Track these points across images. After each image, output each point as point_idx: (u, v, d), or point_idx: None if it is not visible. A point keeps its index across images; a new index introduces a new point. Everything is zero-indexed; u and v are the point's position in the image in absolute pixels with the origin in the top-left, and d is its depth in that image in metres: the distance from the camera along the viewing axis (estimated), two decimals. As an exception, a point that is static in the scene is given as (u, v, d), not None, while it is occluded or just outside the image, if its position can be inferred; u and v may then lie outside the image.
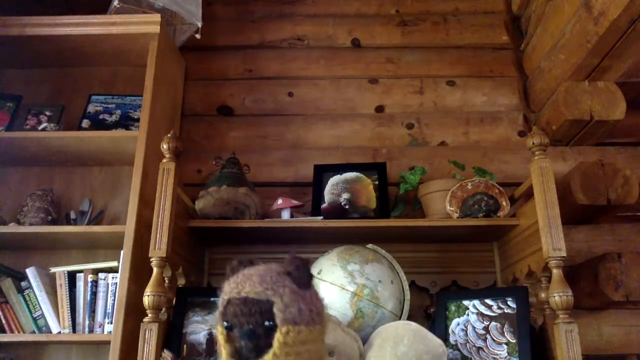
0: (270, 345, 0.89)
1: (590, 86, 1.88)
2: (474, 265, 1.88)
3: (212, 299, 1.60)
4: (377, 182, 1.89)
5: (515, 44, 2.27)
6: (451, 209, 1.71)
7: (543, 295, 1.51)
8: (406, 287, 1.60)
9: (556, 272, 1.41)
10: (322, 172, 1.95)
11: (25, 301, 1.74)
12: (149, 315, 1.45)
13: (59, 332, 1.69)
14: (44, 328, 1.71)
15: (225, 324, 0.93)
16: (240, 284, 0.95)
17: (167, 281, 1.54)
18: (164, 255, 1.47)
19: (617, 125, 1.91)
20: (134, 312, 1.59)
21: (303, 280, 0.97)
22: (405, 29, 2.31)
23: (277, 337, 0.89)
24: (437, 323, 1.63)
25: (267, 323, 0.90)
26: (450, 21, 2.32)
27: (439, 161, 2.07)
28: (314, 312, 0.96)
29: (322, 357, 1.01)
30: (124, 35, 1.93)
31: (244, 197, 1.71)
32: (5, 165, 2.01)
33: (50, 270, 1.77)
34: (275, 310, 0.90)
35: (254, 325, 0.90)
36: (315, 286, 1.02)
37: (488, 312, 1.57)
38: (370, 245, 1.65)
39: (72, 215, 1.91)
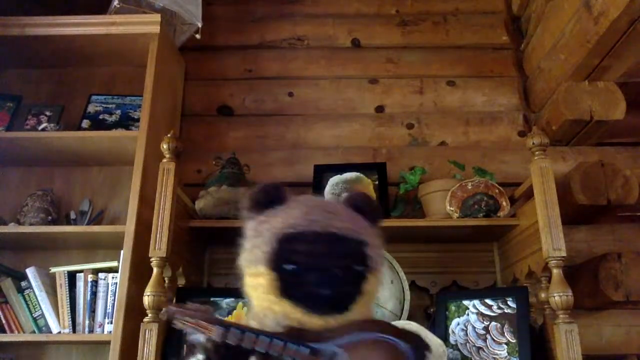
0: (354, 295, 0.71)
1: (590, 86, 1.88)
2: (474, 265, 1.88)
3: (212, 299, 1.60)
4: (377, 182, 1.89)
5: (515, 44, 2.27)
6: (451, 209, 1.71)
7: (543, 295, 1.51)
8: (406, 287, 1.60)
9: (556, 272, 1.41)
10: (322, 172, 1.95)
11: (25, 301, 1.74)
12: (149, 315, 1.45)
13: (59, 332, 1.69)
14: (44, 328, 1.71)
15: (290, 267, 0.70)
16: (318, 214, 0.73)
17: (167, 281, 1.54)
18: (164, 255, 1.47)
19: (617, 125, 1.91)
20: (134, 312, 1.59)
21: (375, 216, 0.79)
22: (405, 29, 2.31)
23: (372, 283, 0.72)
24: (437, 323, 1.63)
25: (358, 267, 0.71)
26: (450, 21, 2.32)
27: (439, 161, 2.06)
28: (382, 259, 0.79)
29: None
30: (124, 35, 1.93)
31: (244, 197, 1.71)
32: (5, 165, 2.01)
33: (50, 270, 1.77)
34: (369, 251, 0.72)
35: (342, 268, 0.70)
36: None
37: (488, 312, 1.57)
38: (370, 245, 1.64)
39: (72, 215, 1.91)
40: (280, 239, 0.71)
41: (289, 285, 0.70)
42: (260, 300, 0.73)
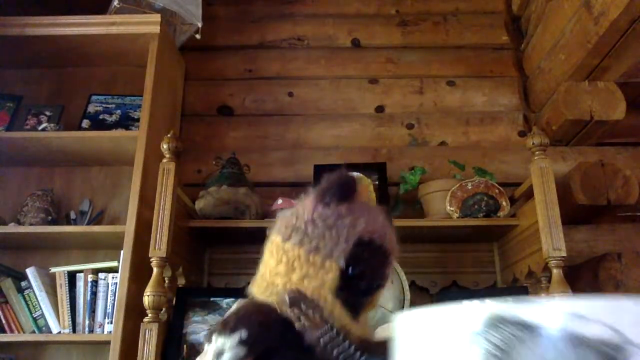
0: (365, 304, 0.74)
1: (590, 86, 1.88)
2: (474, 265, 1.88)
3: (212, 299, 1.60)
4: (377, 182, 1.89)
5: (515, 44, 2.27)
6: (451, 209, 1.71)
7: (543, 295, 1.51)
8: (406, 287, 1.60)
9: (556, 272, 1.41)
10: (322, 172, 1.93)
11: (25, 301, 1.74)
12: (149, 315, 1.45)
13: (59, 332, 1.69)
14: (44, 328, 1.71)
15: (349, 267, 0.70)
16: (382, 225, 0.78)
17: (167, 281, 1.54)
18: (164, 255, 1.47)
19: (617, 125, 1.91)
20: (134, 312, 1.59)
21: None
22: (405, 29, 2.31)
23: (379, 293, 0.76)
24: (437, 323, 1.63)
25: (379, 282, 0.75)
26: (450, 21, 2.32)
27: (439, 161, 2.06)
28: None
29: None
30: (124, 35, 1.93)
31: (244, 197, 1.71)
32: (5, 165, 2.01)
33: (50, 270, 1.77)
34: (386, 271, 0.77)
35: (379, 281, 0.75)
36: None
37: (488, 312, 1.57)
38: (370, 245, 1.64)
39: (72, 215, 1.91)
40: (358, 242, 0.72)
41: (346, 288, 0.70)
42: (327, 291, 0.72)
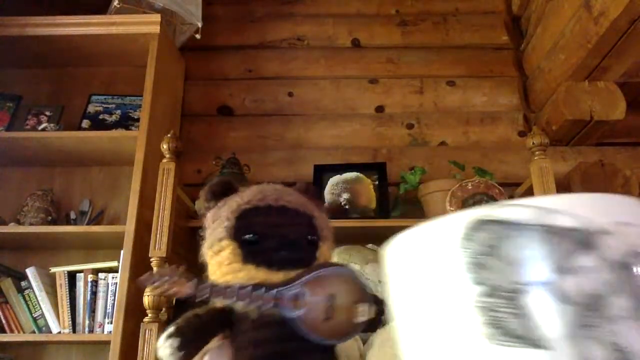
0: (310, 260, 0.81)
1: (590, 86, 1.88)
2: (474, 265, 1.87)
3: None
4: (377, 182, 1.89)
5: (515, 44, 2.27)
6: (451, 209, 1.71)
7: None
8: (406, 287, 1.60)
9: (556, 272, 1.41)
10: (322, 172, 1.95)
11: (25, 301, 1.74)
12: (149, 315, 1.45)
13: (59, 332, 1.69)
14: (44, 328, 1.71)
15: (250, 236, 0.79)
16: (269, 192, 0.84)
17: (167, 281, 1.53)
18: (164, 255, 1.47)
19: (617, 125, 1.91)
20: (134, 312, 1.59)
21: (322, 199, 0.92)
22: (405, 29, 2.31)
23: (323, 251, 0.83)
24: (437, 323, 1.63)
25: (310, 237, 0.82)
26: (450, 21, 2.32)
27: (439, 161, 2.06)
28: (331, 232, 0.90)
29: None
30: (124, 35, 1.93)
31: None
32: (5, 165, 2.01)
33: (50, 270, 1.77)
34: (317, 223, 0.83)
35: (297, 236, 0.81)
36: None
37: (488, 312, 1.57)
38: (370, 245, 1.65)
39: (72, 215, 1.91)
40: (238, 214, 0.81)
41: (251, 252, 0.79)
42: (224, 274, 0.81)
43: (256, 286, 0.75)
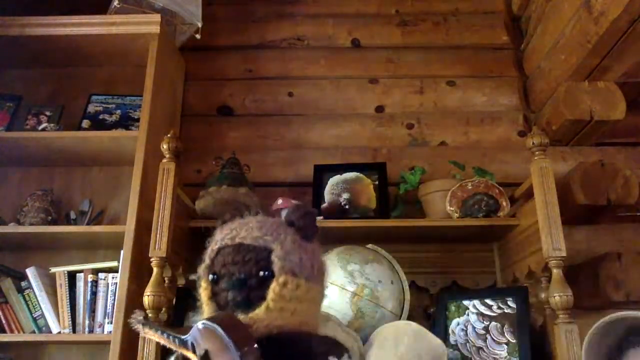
0: (262, 298, 0.78)
1: (590, 86, 1.88)
2: (474, 265, 1.87)
3: (212, 299, 1.60)
4: (377, 182, 1.89)
5: (515, 44, 2.27)
6: (451, 209, 1.71)
7: (543, 295, 1.51)
8: (406, 287, 1.60)
9: (556, 272, 1.41)
10: (322, 172, 1.95)
11: (25, 301, 1.74)
12: (149, 315, 1.45)
13: (59, 332, 1.69)
14: (44, 328, 1.71)
15: (211, 276, 0.82)
16: (235, 229, 0.84)
17: (167, 281, 1.54)
18: (164, 255, 1.47)
19: (617, 125, 1.91)
20: (134, 312, 1.59)
21: (307, 231, 0.85)
22: (405, 29, 2.31)
23: (273, 287, 0.78)
24: (437, 323, 1.63)
25: (262, 273, 0.78)
26: (450, 21, 2.32)
27: (439, 161, 2.06)
28: (315, 268, 0.84)
29: (318, 324, 0.87)
30: (124, 35, 1.93)
31: (244, 197, 1.71)
32: (5, 165, 2.01)
33: (50, 270, 1.77)
34: (273, 257, 0.79)
35: (246, 274, 0.79)
36: (318, 242, 0.89)
37: (488, 312, 1.57)
38: (370, 245, 1.65)
39: (72, 215, 1.91)
40: (211, 254, 0.85)
41: (213, 292, 0.82)
42: (204, 306, 0.86)
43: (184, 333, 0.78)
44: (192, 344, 0.73)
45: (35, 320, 1.72)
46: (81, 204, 1.95)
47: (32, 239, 1.81)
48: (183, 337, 0.75)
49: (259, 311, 0.77)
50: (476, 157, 2.06)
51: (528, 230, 1.59)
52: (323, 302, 0.93)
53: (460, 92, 2.20)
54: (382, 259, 1.60)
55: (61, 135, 1.86)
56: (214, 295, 0.82)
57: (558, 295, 1.37)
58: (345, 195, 1.87)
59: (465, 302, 1.62)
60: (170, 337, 0.77)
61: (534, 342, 1.48)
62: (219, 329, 0.69)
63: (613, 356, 1.20)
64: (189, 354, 0.74)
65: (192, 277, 0.91)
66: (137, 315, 0.84)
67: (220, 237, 0.84)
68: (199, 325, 0.72)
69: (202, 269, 0.85)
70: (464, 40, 2.28)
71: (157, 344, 1.42)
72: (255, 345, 0.70)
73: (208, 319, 0.73)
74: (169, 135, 1.60)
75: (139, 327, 0.82)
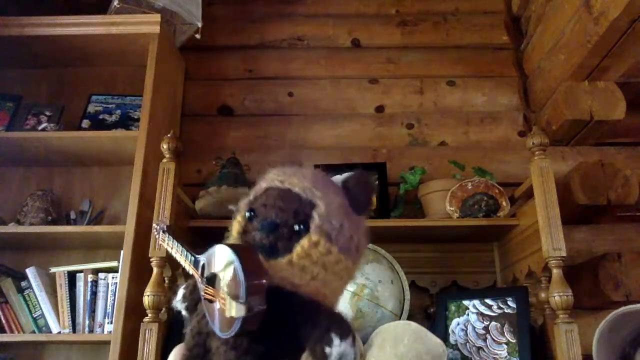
0: (289, 251, 0.72)
1: (590, 86, 1.88)
2: (474, 265, 1.88)
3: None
4: (377, 182, 1.89)
5: (515, 44, 2.27)
6: (451, 209, 1.71)
7: (543, 295, 1.51)
8: (406, 287, 1.60)
9: (556, 272, 1.41)
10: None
11: (25, 301, 1.74)
12: (149, 315, 1.45)
13: (59, 332, 1.69)
14: (44, 328, 1.71)
15: (248, 213, 0.76)
16: (288, 174, 0.79)
17: (167, 281, 1.54)
18: (164, 255, 1.47)
19: (617, 125, 1.91)
20: (134, 312, 1.59)
21: (360, 201, 0.79)
22: (405, 29, 2.31)
23: (303, 243, 0.71)
24: (437, 323, 1.63)
25: (297, 226, 0.72)
26: (450, 21, 2.32)
27: (439, 161, 2.06)
28: (354, 242, 0.77)
29: (335, 303, 0.79)
30: (124, 35, 1.93)
31: (244, 197, 1.71)
32: (5, 165, 2.01)
33: (50, 270, 1.77)
34: (314, 214, 0.73)
35: (282, 221, 0.73)
36: (366, 217, 0.83)
37: (488, 312, 1.57)
38: (370, 245, 1.65)
39: (72, 215, 1.91)
40: (258, 191, 0.80)
41: (245, 229, 0.77)
42: (231, 240, 0.81)
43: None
44: (203, 266, 0.69)
45: (35, 320, 1.72)
46: (81, 204, 1.95)
47: (32, 239, 1.81)
48: (197, 256, 0.71)
49: (282, 261, 0.70)
50: (476, 157, 2.06)
51: (528, 230, 1.59)
52: (348, 285, 0.86)
53: (460, 92, 2.20)
54: (382, 258, 1.60)
55: (61, 135, 1.87)
56: (244, 232, 0.77)
57: (558, 295, 1.37)
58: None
59: (465, 302, 1.62)
60: (185, 252, 0.74)
61: (534, 342, 1.48)
62: (234, 254, 0.64)
63: (628, 351, 1.19)
64: (196, 275, 0.70)
65: (231, 207, 0.82)
66: (161, 222, 0.84)
67: (271, 178, 0.79)
68: (216, 246, 0.68)
69: (243, 202, 0.79)
70: (464, 40, 2.28)
71: (157, 343, 1.42)
72: (265, 282, 0.64)
73: (227, 244, 0.68)
74: (169, 135, 1.60)
75: (159, 234, 0.81)
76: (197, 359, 0.72)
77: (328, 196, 0.75)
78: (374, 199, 0.81)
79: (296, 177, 0.78)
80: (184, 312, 0.79)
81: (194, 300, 0.79)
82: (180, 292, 0.81)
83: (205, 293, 0.68)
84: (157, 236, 0.83)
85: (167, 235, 0.81)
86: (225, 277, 0.65)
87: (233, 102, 2.21)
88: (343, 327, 0.66)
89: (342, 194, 0.78)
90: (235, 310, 0.61)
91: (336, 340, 0.64)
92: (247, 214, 0.76)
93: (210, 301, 0.67)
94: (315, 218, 0.72)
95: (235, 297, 0.62)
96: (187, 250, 0.74)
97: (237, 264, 0.63)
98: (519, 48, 2.26)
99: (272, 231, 0.72)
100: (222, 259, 0.67)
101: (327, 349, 0.62)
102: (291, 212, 0.73)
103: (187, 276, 1.67)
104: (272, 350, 0.68)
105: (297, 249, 0.71)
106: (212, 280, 0.68)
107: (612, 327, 1.21)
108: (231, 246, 0.66)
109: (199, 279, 0.69)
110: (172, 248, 0.78)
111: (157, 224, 0.87)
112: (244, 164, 1.88)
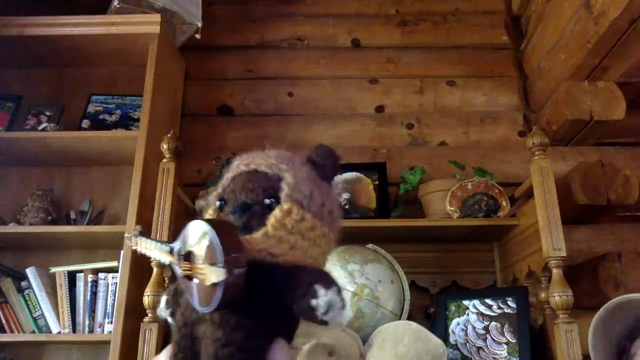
0: (264, 225, 0.70)
1: (590, 86, 1.88)
2: (474, 265, 1.88)
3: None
4: (377, 182, 1.89)
5: (515, 44, 2.27)
6: (451, 209, 1.71)
7: (543, 295, 1.51)
8: (406, 287, 1.60)
9: (556, 272, 1.41)
10: (322, 172, 1.94)
11: (25, 301, 1.74)
12: (149, 315, 1.45)
13: (59, 332, 1.69)
14: (44, 328, 1.71)
15: (219, 202, 0.75)
16: (252, 157, 0.78)
17: (167, 281, 1.54)
18: (164, 255, 1.47)
19: (617, 125, 1.91)
20: (134, 312, 1.59)
21: (326, 169, 0.79)
22: (405, 29, 2.31)
23: (275, 213, 0.70)
24: (437, 323, 1.63)
25: (267, 200, 0.72)
26: (450, 21, 2.32)
27: (439, 161, 2.06)
28: (326, 207, 0.76)
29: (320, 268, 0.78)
30: (124, 35, 1.93)
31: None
32: (5, 165, 2.01)
33: (50, 270, 1.77)
34: (282, 184, 0.73)
35: (252, 200, 0.72)
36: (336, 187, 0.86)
37: (488, 312, 1.57)
38: (370, 245, 1.65)
39: (72, 215, 1.91)
40: (225, 182, 0.78)
41: (218, 215, 0.75)
42: None
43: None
44: (180, 250, 0.66)
45: (35, 320, 1.72)
46: (81, 204, 1.95)
47: (32, 239, 1.81)
48: (171, 244, 0.67)
49: (256, 235, 0.69)
50: (476, 157, 2.06)
51: (528, 230, 1.59)
52: (330, 252, 0.86)
53: (460, 92, 2.20)
54: (382, 259, 1.60)
55: (61, 135, 1.87)
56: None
57: (558, 295, 1.37)
58: (345, 195, 1.87)
59: (465, 302, 1.62)
60: (160, 245, 0.71)
61: (534, 342, 1.48)
62: (207, 225, 0.62)
63: (623, 345, 1.19)
64: (173, 260, 0.67)
65: (201, 202, 0.79)
66: (133, 230, 0.80)
67: (236, 165, 0.79)
68: (189, 223, 0.64)
69: (212, 197, 0.78)
70: (464, 40, 2.28)
71: (157, 343, 1.42)
72: (242, 244, 0.63)
73: (200, 218, 0.66)
74: (169, 135, 1.60)
75: (131, 241, 0.78)
76: (185, 351, 0.70)
77: (294, 168, 0.75)
78: (338, 165, 0.80)
79: (260, 157, 0.77)
80: (169, 320, 0.76)
81: (177, 303, 0.77)
82: (163, 299, 0.77)
83: (183, 270, 0.66)
84: (130, 245, 0.79)
85: (139, 237, 0.79)
86: (201, 247, 0.65)
87: (233, 102, 2.21)
88: (326, 279, 0.64)
89: (309, 165, 0.78)
90: (215, 275, 0.59)
91: (321, 291, 0.63)
92: (218, 204, 0.74)
93: (190, 278, 0.66)
94: (284, 188, 0.72)
95: (213, 263, 0.60)
96: (161, 242, 0.72)
97: (211, 233, 0.61)
98: (519, 48, 2.26)
99: (244, 211, 0.71)
100: (196, 233, 0.66)
101: (314, 302, 0.60)
102: (260, 190, 0.73)
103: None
104: (263, 323, 0.67)
105: (271, 220, 0.69)
106: (188, 256, 0.67)
107: (606, 319, 1.21)
108: (204, 219, 0.64)
109: (176, 262, 0.68)
110: (147, 249, 0.76)
111: (129, 233, 0.84)
112: (244, 164, 1.87)
